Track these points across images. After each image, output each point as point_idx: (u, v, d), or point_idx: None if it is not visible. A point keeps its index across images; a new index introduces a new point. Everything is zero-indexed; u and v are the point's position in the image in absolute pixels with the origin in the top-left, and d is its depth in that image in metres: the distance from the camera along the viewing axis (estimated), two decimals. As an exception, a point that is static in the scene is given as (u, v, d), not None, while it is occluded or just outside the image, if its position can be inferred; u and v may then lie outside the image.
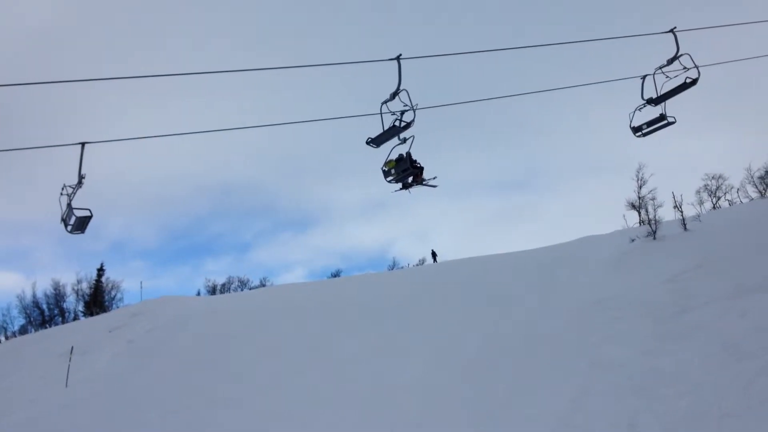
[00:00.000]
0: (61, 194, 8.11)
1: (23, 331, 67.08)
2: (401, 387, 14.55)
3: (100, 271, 72.44)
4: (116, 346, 32.60)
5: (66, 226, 8.36)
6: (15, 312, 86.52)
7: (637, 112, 10.94)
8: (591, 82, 11.68)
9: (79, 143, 7.78)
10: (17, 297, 77.99)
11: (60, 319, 68.34)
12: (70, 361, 29.16)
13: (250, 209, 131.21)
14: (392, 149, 9.85)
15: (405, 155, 9.87)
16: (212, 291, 76.17)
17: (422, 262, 71.59)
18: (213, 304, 40.01)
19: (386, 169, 10.25)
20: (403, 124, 8.89)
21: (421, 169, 10.55)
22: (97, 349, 33.07)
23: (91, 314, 61.87)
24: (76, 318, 65.86)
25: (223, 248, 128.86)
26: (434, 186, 11.03)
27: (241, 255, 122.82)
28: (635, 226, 27.88)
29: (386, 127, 8.98)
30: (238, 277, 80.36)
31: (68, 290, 71.76)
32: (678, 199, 24.78)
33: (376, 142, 9.23)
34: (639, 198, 28.31)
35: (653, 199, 26.82)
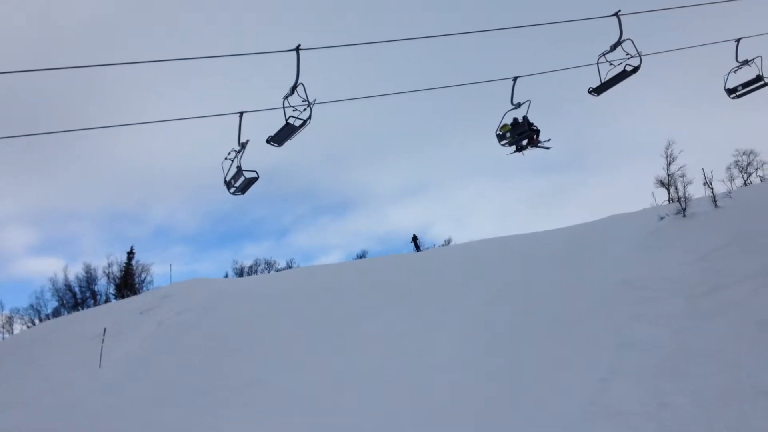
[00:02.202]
0: (226, 159, 8.93)
1: (56, 313, 68.61)
2: (430, 366, 14.57)
3: (130, 254, 73.59)
4: (147, 328, 33.17)
5: (229, 188, 9.19)
6: (48, 295, 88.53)
7: (732, 74, 10.77)
8: (552, 69, 11.21)
9: (238, 112, 8.65)
10: (50, 280, 79.82)
11: (92, 301, 69.75)
12: (103, 342, 29.76)
13: (290, 194, 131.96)
14: (505, 114, 10.13)
15: (522, 119, 10.30)
16: (240, 273, 77.01)
17: (448, 242, 71.47)
18: (241, 286, 40.42)
19: (500, 133, 10.70)
20: (299, 122, 8.61)
21: (538, 131, 10.84)
22: (128, 331, 33.70)
23: (122, 297, 63.01)
24: (107, 301, 67.08)
25: (263, 233, 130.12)
26: (548, 148, 11.32)
27: (281, 239, 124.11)
28: (664, 203, 27.45)
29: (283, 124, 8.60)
30: (265, 259, 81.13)
31: (99, 273, 73.19)
32: (708, 175, 24.28)
33: (276, 140, 8.87)
34: (668, 175, 27.87)
35: (683, 176, 26.36)
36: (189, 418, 15.53)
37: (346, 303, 25.76)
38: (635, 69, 9.70)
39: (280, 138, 8.81)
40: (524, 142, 11.02)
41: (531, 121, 10.48)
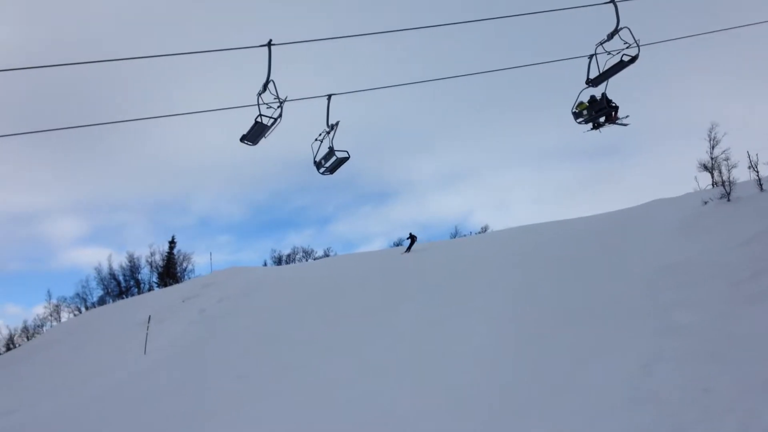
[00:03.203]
0: (315, 140, 9.25)
1: (102, 302, 70.46)
2: (464, 354, 14.56)
3: (172, 243, 75.04)
4: (189, 315, 33.92)
5: (319, 168, 9.50)
6: (94, 284, 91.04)
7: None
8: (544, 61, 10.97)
9: (327, 95, 8.85)
10: (95, 269, 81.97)
11: (136, 290, 71.40)
12: (147, 329, 30.55)
13: (332, 183, 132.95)
14: (581, 91, 10.19)
15: (601, 96, 10.33)
16: (278, 262, 77.92)
17: (484, 229, 71.10)
18: (279, 274, 40.95)
19: (577, 111, 10.74)
20: (271, 121, 8.57)
21: (617, 108, 10.82)
22: (171, 318, 34.52)
23: (165, 285, 64.37)
24: (150, 289, 68.58)
25: (305, 222, 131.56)
26: (626, 124, 11.27)
27: (322, 228, 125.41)
28: (708, 188, 26.80)
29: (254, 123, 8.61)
30: (303, 248, 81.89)
31: (142, 262, 74.89)
32: (753, 158, 23.60)
33: (250, 139, 8.85)
34: (711, 159, 27.17)
35: (727, 159, 25.66)
36: (230, 403, 15.85)
37: (381, 290, 25.91)
38: (633, 59, 9.39)
39: (253, 136, 8.80)
40: (602, 120, 11.00)
41: (609, 98, 10.46)
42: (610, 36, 9.37)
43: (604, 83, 10.06)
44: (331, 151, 9.14)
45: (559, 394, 10.06)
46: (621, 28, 9.23)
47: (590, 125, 11.12)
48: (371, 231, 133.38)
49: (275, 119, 8.51)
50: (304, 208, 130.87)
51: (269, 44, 7.97)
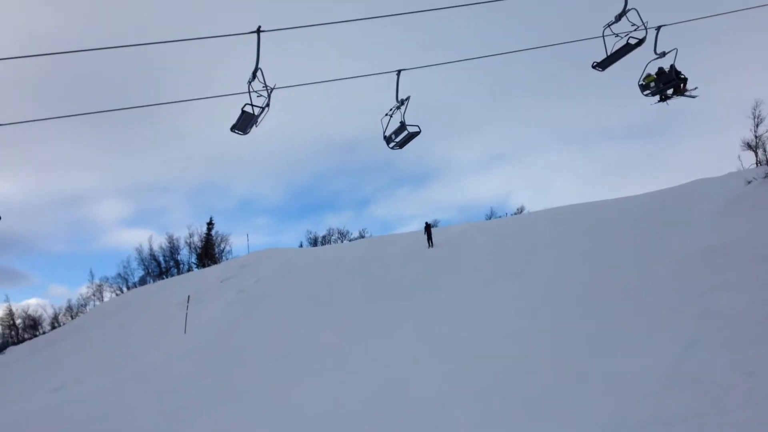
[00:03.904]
0: (386, 115, 9.40)
1: (143, 282, 71.99)
2: (503, 336, 14.53)
3: (210, 225, 76.12)
4: (228, 295, 34.47)
5: (389, 143, 9.65)
6: (135, 264, 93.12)
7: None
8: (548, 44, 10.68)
9: (396, 70, 8.92)
10: (136, 250, 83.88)
11: (175, 270, 72.75)
12: (187, 309, 31.16)
13: (370, 165, 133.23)
14: (648, 63, 10.20)
15: (669, 67, 10.31)
16: (313, 243, 78.49)
17: (520, 210, 70.38)
18: (314, 255, 41.27)
19: (644, 83, 10.75)
20: (257, 109, 8.48)
21: (685, 80, 10.81)
22: (210, 299, 35.13)
23: (204, 266, 65.45)
24: (189, 269, 69.75)
25: (343, 204, 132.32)
26: (695, 96, 11.23)
27: (360, 210, 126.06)
28: (752, 167, 26.07)
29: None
30: (338, 229, 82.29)
31: (181, 243, 76.24)
32: (800, 136, 22.87)
33: (239, 128, 8.86)
34: (756, 137, 26.44)
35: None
36: (266, 382, 16.12)
37: (417, 272, 25.93)
38: (640, 41, 9.26)
39: (242, 126, 8.80)
40: (670, 92, 10.94)
41: (678, 69, 10.41)
42: (618, 18, 9.25)
43: (672, 55, 9.97)
44: (403, 126, 9.25)
45: (599, 374, 9.99)
46: (628, 10, 9.10)
47: (657, 97, 11.05)
48: (408, 213, 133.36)
49: (263, 108, 8.47)
50: (342, 191, 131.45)
51: (258, 31, 7.88)
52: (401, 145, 9.65)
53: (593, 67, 9.96)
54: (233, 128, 8.77)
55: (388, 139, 9.62)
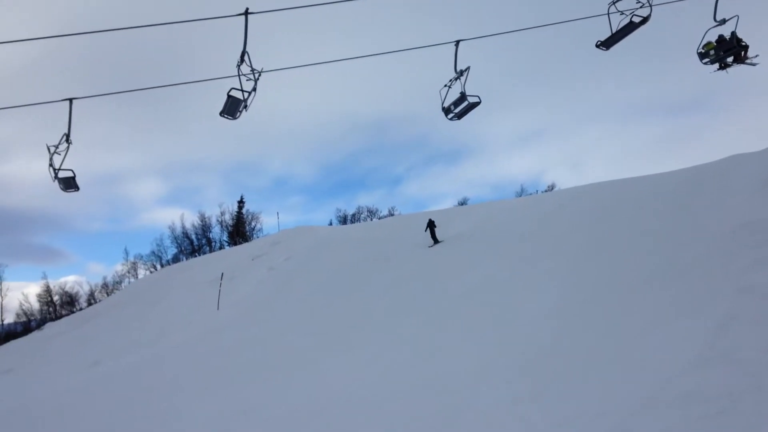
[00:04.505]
0: (444, 86, 9.43)
1: (176, 259, 73.29)
2: (533, 314, 14.43)
3: (241, 203, 76.95)
4: (259, 272, 34.90)
5: (447, 113, 9.71)
6: (168, 242, 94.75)
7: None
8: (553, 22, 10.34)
9: (455, 41, 8.91)
10: (168, 228, 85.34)
11: (207, 248, 73.84)
12: (220, 286, 31.65)
13: (403, 143, 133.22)
14: (707, 31, 10.14)
15: (731, 35, 10.23)
16: (343, 221, 78.86)
17: (551, 188, 69.73)
18: (343, 233, 41.43)
19: (704, 51, 10.70)
20: (245, 94, 8.41)
21: (746, 47, 10.72)
22: (242, 276, 35.60)
23: (235, 244, 66.29)
24: (221, 247, 70.68)
25: (376, 182, 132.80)
26: (755, 64, 11.14)
27: (393, 188, 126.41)
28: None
29: None
30: (367, 207, 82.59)
31: (213, 222, 77.29)
32: None
33: (228, 113, 8.74)
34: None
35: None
36: (298, 358, 16.32)
37: (448, 249, 25.88)
38: (644, 20, 9.03)
39: (230, 111, 8.68)
40: (729, 60, 10.83)
41: (740, 37, 10.30)
42: None
43: (733, 22, 9.82)
44: (463, 97, 9.28)
45: (631, 352, 9.87)
46: None
47: (717, 65, 10.94)
48: (440, 191, 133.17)
49: (249, 92, 8.39)
50: (374, 169, 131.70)
51: (246, 13, 7.79)
52: (460, 116, 9.69)
53: (597, 46, 9.79)
54: (222, 113, 8.67)
55: (446, 110, 9.65)
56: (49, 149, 8.47)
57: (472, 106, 9.37)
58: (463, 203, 73.37)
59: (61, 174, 8.69)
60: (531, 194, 57.47)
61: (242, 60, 8.09)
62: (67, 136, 8.23)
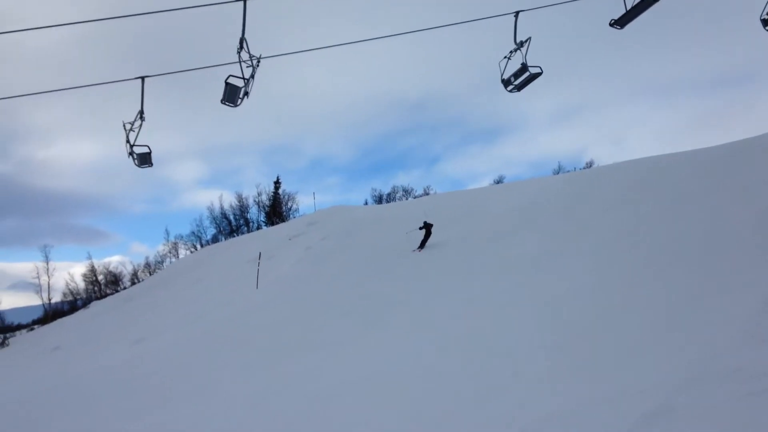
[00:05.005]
0: (504, 58, 9.40)
1: (215, 239, 74.55)
2: (569, 294, 14.35)
3: (277, 183, 77.66)
4: (296, 252, 35.27)
5: (507, 86, 9.71)
6: (207, 223, 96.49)
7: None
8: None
9: (514, 12, 8.94)
10: (207, 209, 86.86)
11: (245, 228, 74.88)
12: (258, 266, 32.13)
13: (441, 123, 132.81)
14: None
15: None
16: (378, 200, 79.00)
17: (590, 165, 68.64)
18: (379, 212, 41.55)
19: (767, 18, 10.69)
20: (243, 81, 8.35)
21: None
22: (279, 255, 36.05)
23: (272, 224, 67.05)
24: (259, 227, 71.59)
25: (413, 162, 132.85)
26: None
27: (430, 168, 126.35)
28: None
29: None
30: (403, 187, 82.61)
31: (250, 202, 78.26)
32: None
33: (229, 101, 8.65)
34: None
35: None
36: (334, 336, 16.53)
37: (485, 227, 25.79)
38: None
39: (230, 98, 8.64)
40: None
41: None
42: None
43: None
44: (524, 67, 9.21)
45: (674, 329, 9.74)
46: None
47: None
48: (478, 170, 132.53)
49: (247, 79, 8.35)
50: (411, 149, 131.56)
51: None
52: (520, 87, 9.60)
53: (611, 25, 9.44)
54: (223, 101, 8.69)
55: (506, 82, 9.56)
56: (125, 126, 8.86)
57: (534, 77, 9.25)
58: (499, 182, 72.77)
59: (138, 150, 9.07)
60: (569, 172, 56.64)
61: (241, 47, 8.07)
62: (141, 113, 8.57)
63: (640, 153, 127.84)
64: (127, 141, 8.88)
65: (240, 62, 8.20)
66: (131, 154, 9.02)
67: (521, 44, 9.07)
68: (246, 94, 8.60)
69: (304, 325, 18.95)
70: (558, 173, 62.55)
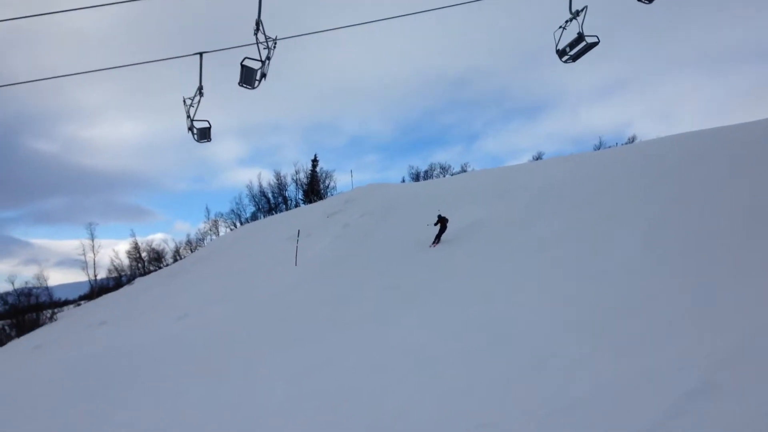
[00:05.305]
0: (559, 27, 9.20)
1: (254, 217, 75.59)
2: (612, 269, 14.17)
3: (315, 161, 78.14)
4: (334, 229, 35.58)
5: (561, 56, 9.49)
6: (246, 201, 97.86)
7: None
8: None
9: None
10: (246, 187, 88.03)
11: (284, 206, 75.69)
12: (297, 243, 32.53)
13: (481, 99, 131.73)
14: None
15: None
16: (415, 177, 78.89)
17: (632, 140, 67.29)
18: (416, 190, 41.51)
19: None
20: (258, 63, 8.30)
21: None
22: (318, 233, 36.42)
23: (310, 202, 67.65)
24: (297, 205, 72.28)
25: (453, 139, 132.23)
26: None
27: (469, 145, 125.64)
28: None
29: None
30: (440, 164, 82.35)
31: (288, 180, 79.01)
32: None
33: (246, 83, 8.64)
34: None
35: None
36: (372, 312, 16.68)
37: (523, 204, 25.57)
38: None
39: (247, 80, 8.64)
40: None
41: None
42: None
43: None
44: (580, 37, 9.04)
45: (718, 304, 9.56)
46: None
47: None
48: (518, 146, 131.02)
49: (263, 61, 8.38)
50: (451, 126, 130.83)
51: None
52: (575, 57, 9.39)
53: None
54: (240, 83, 8.75)
55: (561, 53, 9.38)
56: (185, 101, 9.13)
57: (590, 46, 9.06)
58: (537, 158, 71.95)
59: (198, 125, 9.36)
60: (610, 147, 55.58)
61: (258, 28, 8.12)
62: (200, 89, 8.79)
63: (687, 127, 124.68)
64: (188, 116, 9.14)
65: (257, 44, 8.24)
66: (191, 129, 9.29)
67: (577, 13, 8.88)
68: (263, 75, 8.68)
69: (343, 301, 19.17)
70: (599, 149, 61.48)
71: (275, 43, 8.41)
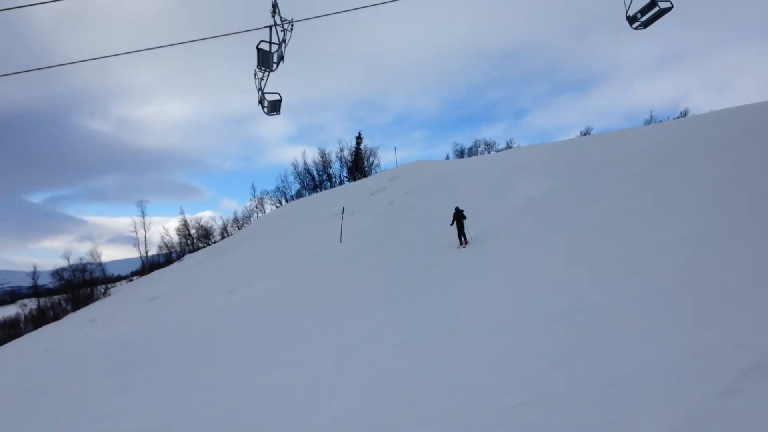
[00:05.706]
0: None
1: (299, 195, 76.32)
2: (660, 247, 13.88)
3: (359, 139, 78.23)
4: (378, 206, 35.68)
5: (632, 23, 9.45)
6: (291, 178, 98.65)
7: None
8: None
9: None
10: (291, 165, 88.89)
11: (328, 184, 76.16)
12: (342, 220, 32.76)
13: (530, 74, 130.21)
14: None
15: None
16: (460, 154, 78.34)
17: (684, 113, 65.36)
18: (460, 167, 41.23)
19: None
20: (274, 46, 8.24)
21: None
22: (362, 210, 36.58)
23: (354, 179, 67.89)
24: (341, 183, 72.61)
25: (500, 115, 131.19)
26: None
27: (517, 121, 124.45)
28: None
29: None
30: (485, 140, 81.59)
31: (333, 158, 79.42)
32: None
33: (264, 65, 8.74)
34: None
35: None
36: (418, 288, 16.71)
37: (571, 181, 25.18)
38: None
39: (264, 63, 8.65)
40: None
41: None
42: None
43: None
44: (653, 2, 8.86)
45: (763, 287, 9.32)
46: None
47: None
48: (567, 121, 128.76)
49: (278, 44, 8.39)
50: (498, 102, 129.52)
51: None
52: (646, 24, 9.21)
53: None
54: (258, 66, 8.84)
55: (631, 19, 9.22)
56: (255, 74, 9.30)
57: (663, 12, 8.83)
58: (586, 134, 70.56)
59: (269, 97, 9.50)
60: (661, 122, 54.06)
61: (274, 10, 8.18)
62: (277, 59, 8.86)
63: (744, 101, 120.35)
64: (258, 89, 9.30)
65: (274, 26, 8.30)
66: (261, 101, 9.42)
67: None
68: (281, 58, 8.71)
69: (388, 277, 19.28)
70: (650, 123, 59.91)
71: (292, 26, 8.45)
